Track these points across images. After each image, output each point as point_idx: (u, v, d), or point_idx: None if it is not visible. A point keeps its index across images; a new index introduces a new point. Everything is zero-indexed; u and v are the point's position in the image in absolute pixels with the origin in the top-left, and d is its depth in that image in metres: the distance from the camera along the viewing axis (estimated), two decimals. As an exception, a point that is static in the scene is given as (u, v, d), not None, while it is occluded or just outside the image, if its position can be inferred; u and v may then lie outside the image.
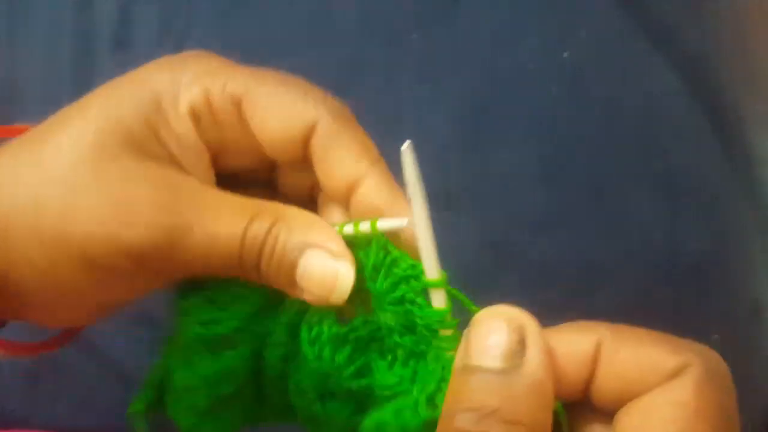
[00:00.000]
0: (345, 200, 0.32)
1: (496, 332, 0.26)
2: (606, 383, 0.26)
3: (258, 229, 0.30)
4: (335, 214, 0.33)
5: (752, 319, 0.56)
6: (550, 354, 0.26)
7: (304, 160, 0.32)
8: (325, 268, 0.30)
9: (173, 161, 0.32)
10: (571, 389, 0.27)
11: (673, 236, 0.57)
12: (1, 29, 0.59)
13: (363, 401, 0.32)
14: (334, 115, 0.32)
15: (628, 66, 0.59)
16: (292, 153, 0.32)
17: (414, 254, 0.30)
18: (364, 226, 0.31)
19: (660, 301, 0.55)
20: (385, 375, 0.31)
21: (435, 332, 0.29)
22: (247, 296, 0.33)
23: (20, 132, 0.35)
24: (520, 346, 0.26)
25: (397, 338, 0.30)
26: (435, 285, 0.29)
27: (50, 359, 0.55)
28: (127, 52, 0.58)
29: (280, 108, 0.32)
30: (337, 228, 0.31)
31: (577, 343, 0.27)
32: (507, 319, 0.26)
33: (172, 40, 0.58)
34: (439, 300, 0.30)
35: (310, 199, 0.35)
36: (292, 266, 0.30)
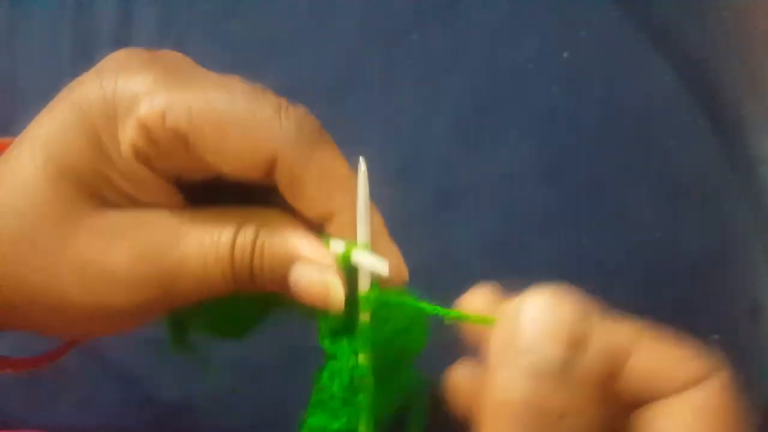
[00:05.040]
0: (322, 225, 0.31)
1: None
2: (632, 378, 0.26)
3: (245, 237, 0.29)
4: None
5: (752, 319, 0.56)
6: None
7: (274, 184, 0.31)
8: (315, 283, 0.29)
9: (133, 201, 0.30)
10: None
11: (673, 236, 0.57)
12: (1, 29, 0.59)
13: None
14: (295, 140, 0.29)
15: (628, 66, 0.59)
16: (259, 180, 0.30)
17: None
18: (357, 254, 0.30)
19: (660, 301, 0.55)
20: None
21: None
22: None
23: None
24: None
25: None
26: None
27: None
28: (127, 52, 0.58)
29: (232, 142, 0.28)
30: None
31: (615, 332, 0.26)
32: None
33: (171, 40, 0.58)
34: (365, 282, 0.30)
35: None
36: (283, 279, 0.30)
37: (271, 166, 0.29)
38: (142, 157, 0.29)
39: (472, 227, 0.56)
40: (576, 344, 0.24)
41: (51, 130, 0.30)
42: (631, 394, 0.26)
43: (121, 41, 0.58)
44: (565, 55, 0.58)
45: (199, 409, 0.52)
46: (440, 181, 0.56)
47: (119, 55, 0.31)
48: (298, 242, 0.30)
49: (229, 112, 0.28)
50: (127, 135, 0.28)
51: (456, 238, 0.55)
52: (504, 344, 0.25)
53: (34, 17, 0.59)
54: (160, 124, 0.28)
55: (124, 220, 0.30)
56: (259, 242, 0.30)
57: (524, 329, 0.24)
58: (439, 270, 0.54)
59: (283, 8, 0.59)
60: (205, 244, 0.29)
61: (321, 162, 0.29)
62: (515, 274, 0.55)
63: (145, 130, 0.28)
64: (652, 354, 0.26)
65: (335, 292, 0.29)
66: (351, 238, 0.30)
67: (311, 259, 0.30)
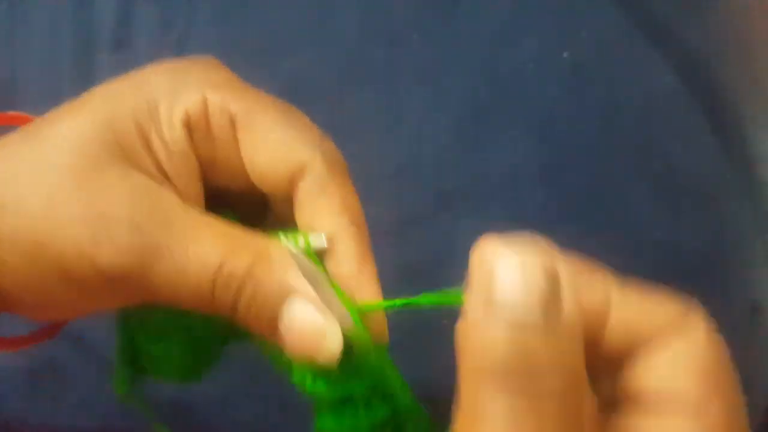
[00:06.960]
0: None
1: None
2: (617, 328, 0.24)
3: (235, 266, 0.28)
4: None
5: (752, 319, 0.57)
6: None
7: (289, 197, 0.32)
8: (311, 323, 0.27)
9: (160, 170, 0.31)
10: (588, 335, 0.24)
11: (673, 236, 0.57)
12: (1, 29, 0.59)
13: None
14: (326, 162, 0.31)
15: (628, 66, 0.59)
16: (278, 189, 0.31)
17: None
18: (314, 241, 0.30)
19: (660, 301, 0.55)
20: None
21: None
22: None
23: (21, 120, 0.35)
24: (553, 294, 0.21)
25: None
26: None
27: (50, 359, 0.55)
28: (127, 52, 0.58)
29: (273, 143, 0.31)
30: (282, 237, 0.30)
31: (594, 285, 0.25)
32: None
33: (172, 40, 0.58)
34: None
35: None
36: (274, 315, 0.28)
37: (297, 174, 0.31)
38: (190, 128, 0.31)
39: (472, 227, 0.56)
40: (555, 295, 0.21)
41: (103, 89, 0.32)
42: (613, 348, 0.24)
43: (121, 41, 0.58)
44: (565, 55, 0.58)
45: (199, 409, 0.52)
46: (440, 181, 0.56)
47: (182, 60, 0.34)
48: (297, 277, 0.28)
49: (281, 114, 0.31)
50: (185, 104, 0.31)
51: (456, 238, 0.55)
52: (479, 302, 0.21)
53: (34, 17, 0.59)
54: (218, 104, 0.31)
55: (142, 185, 0.30)
56: (253, 272, 0.28)
57: (501, 281, 0.21)
58: (438, 270, 0.54)
59: (283, 8, 0.59)
60: (193, 253, 0.28)
61: (340, 186, 0.31)
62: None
63: (204, 104, 0.31)
64: (631, 304, 0.25)
65: (332, 340, 0.27)
66: (341, 269, 0.29)
67: (309, 296, 0.27)
